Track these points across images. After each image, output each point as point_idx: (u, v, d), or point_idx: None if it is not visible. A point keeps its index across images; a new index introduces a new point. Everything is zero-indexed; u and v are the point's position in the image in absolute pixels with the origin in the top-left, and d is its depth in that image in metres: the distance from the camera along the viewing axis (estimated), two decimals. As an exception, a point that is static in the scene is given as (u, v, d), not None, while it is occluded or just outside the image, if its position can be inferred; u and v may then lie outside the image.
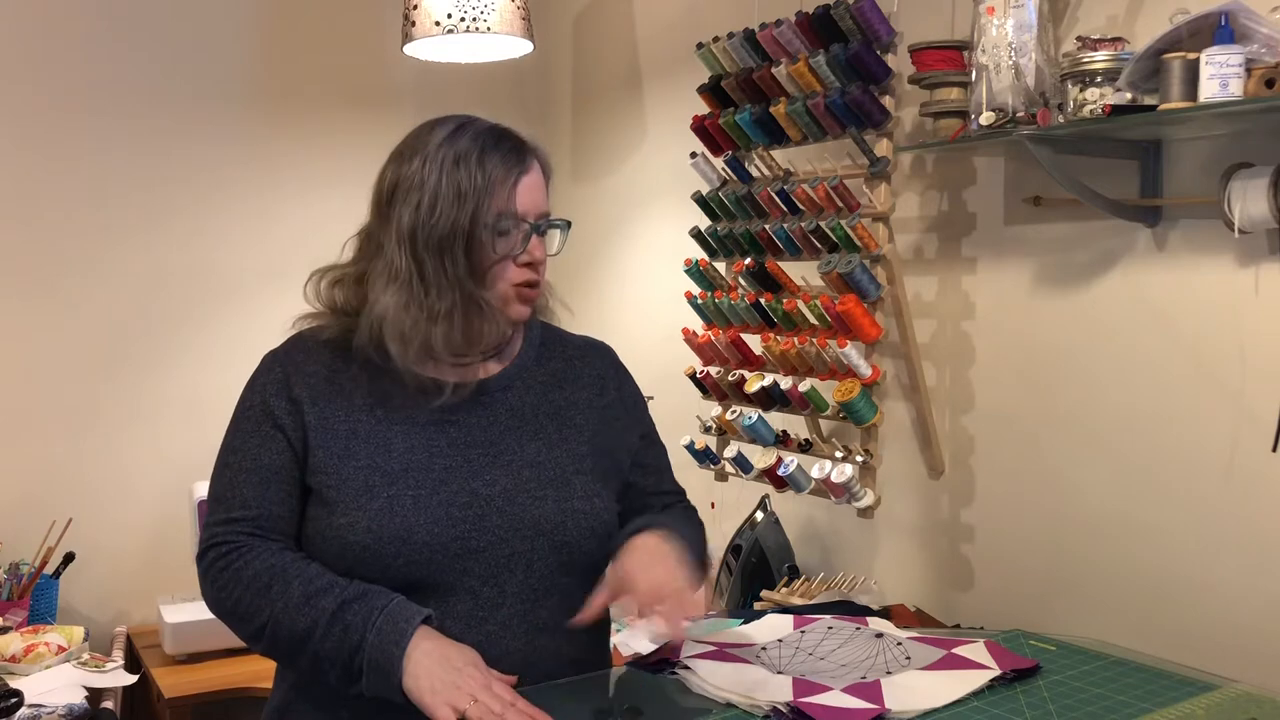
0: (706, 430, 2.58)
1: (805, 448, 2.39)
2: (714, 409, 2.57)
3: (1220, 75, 1.61)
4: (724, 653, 1.52)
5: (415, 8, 2.80)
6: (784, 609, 2.15)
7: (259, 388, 1.50)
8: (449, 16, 2.76)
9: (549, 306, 1.64)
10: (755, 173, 2.49)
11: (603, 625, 1.57)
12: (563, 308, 1.65)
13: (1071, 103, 1.87)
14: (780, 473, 2.37)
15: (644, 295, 3.17)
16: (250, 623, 1.41)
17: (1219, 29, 1.63)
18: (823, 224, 2.25)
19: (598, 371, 1.64)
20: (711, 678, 1.42)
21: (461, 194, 1.43)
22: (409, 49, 2.92)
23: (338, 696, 1.41)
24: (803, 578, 2.46)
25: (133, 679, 2.58)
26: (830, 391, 2.28)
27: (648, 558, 1.44)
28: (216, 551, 1.43)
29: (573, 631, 1.49)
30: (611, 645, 1.62)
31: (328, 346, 1.52)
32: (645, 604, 1.38)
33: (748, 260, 2.46)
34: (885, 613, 2.17)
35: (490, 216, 1.44)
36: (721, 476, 2.57)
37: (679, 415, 2.56)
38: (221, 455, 1.50)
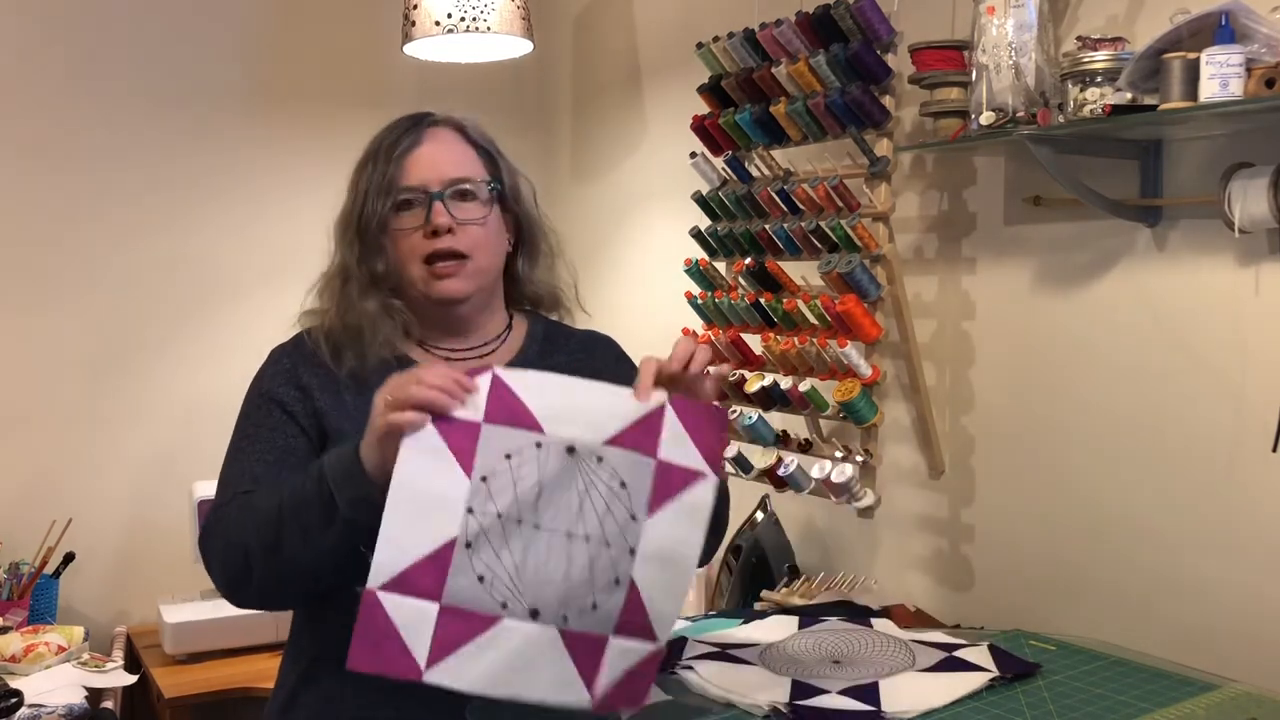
0: (706, 430, 2.57)
1: (805, 448, 2.39)
2: (714, 409, 2.57)
3: (1220, 75, 1.61)
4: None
5: (415, 8, 2.80)
6: (784, 609, 2.15)
7: (266, 378, 1.51)
8: (449, 16, 2.76)
9: (563, 304, 1.64)
10: (755, 173, 2.49)
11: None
12: (580, 310, 1.66)
13: (1071, 102, 1.87)
14: (780, 473, 2.37)
15: (644, 295, 3.17)
16: (244, 557, 1.35)
17: (1219, 29, 1.63)
18: (823, 224, 2.25)
19: (600, 365, 1.64)
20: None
21: (359, 183, 1.49)
22: (409, 49, 2.92)
23: (343, 691, 1.42)
24: (803, 578, 2.46)
25: (133, 679, 2.58)
26: (830, 391, 2.28)
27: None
28: (213, 518, 1.42)
29: None
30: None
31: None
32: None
33: (748, 260, 2.46)
34: (885, 613, 2.17)
35: (383, 193, 1.46)
36: (721, 476, 2.57)
37: (679, 415, 2.56)
38: (230, 449, 1.49)
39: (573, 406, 1.26)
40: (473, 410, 1.24)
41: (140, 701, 2.82)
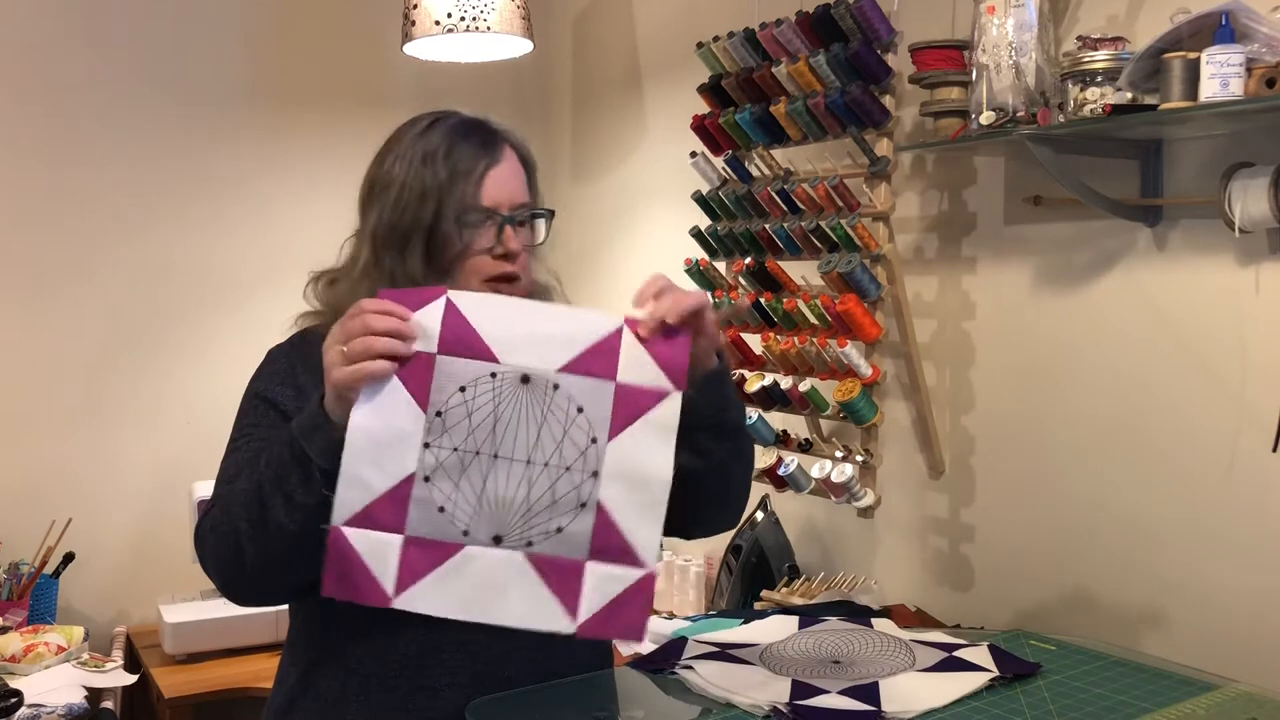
0: (706, 430, 2.57)
1: (805, 448, 2.39)
2: (714, 409, 2.57)
3: (1221, 75, 1.61)
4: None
5: (415, 7, 2.80)
6: (784, 609, 2.14)
7: (263, 378, 1.50)
8: (449, 16, 2.76)
9: (552, 301, 1.64)
10: (755, 172, 2.49)
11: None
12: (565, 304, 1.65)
13: (1072, 102, 1.87)
14: (780, 473, 2.37)
15: (644, 295, 3.17)
16: (235, 542, 1.33)
17: (1219, 28, 1.63)
18: (823, 224, 2.25)
19: None
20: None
21: (425, 190, 1.44)
22: (409, 49, 2.92)
23: (344, 694, 1.41)
24: (803, 578, 2.46)
25: (132, 679, 2.58)
26: (830, 391, 2.28)
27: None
28: (205, 515, 1.40)
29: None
30: (612, 645, 1.62)
31: None
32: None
33: (748, 260, 2.46)
34: (885, 613, 2.17)
35: (455, 210, 1.43)
36: (721, 476, 2.57)
37: (679, 415, 2.56)
38: (226, 449, 1.48)
39: (527, 333, 1.27)
40: (425, 341, 1.24)
41: (140, 701, 2.82)
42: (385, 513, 1.23)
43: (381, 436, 1.23)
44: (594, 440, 1.26)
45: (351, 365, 1.23)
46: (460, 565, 1.25)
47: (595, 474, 1.26)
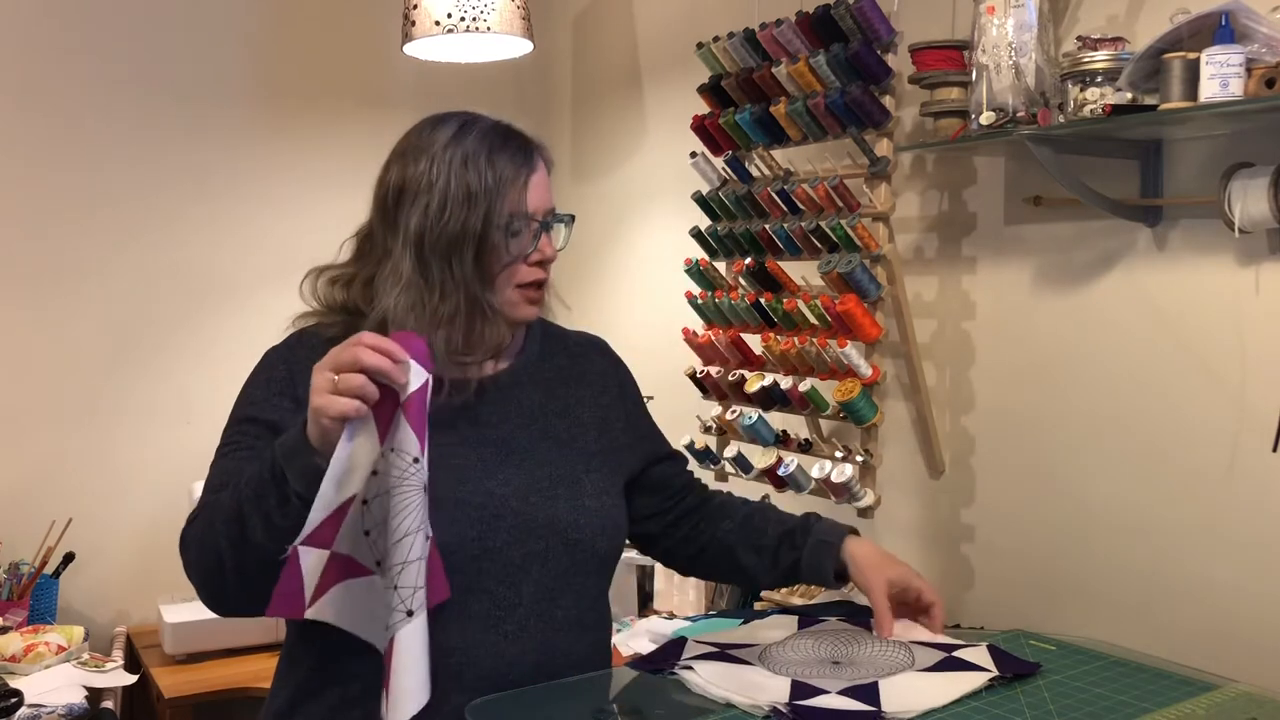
0: (706, 430, 2.58)
1: (805, 448, 2.39)
2: (714, 409, 2.57)
3: (1220, 75, 1.61)
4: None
5: (415, 7, 2.80)
6: (784, 609, 2.14)
7: (259, 387, 1.48)
8: (449, 16, 2.76)
9: (547, 303, 1.64)
10: (755, 172, 2.49)
11: (605, 624, 1.57)
12: (560, 304, 1.64)
13: (1072, 102, 1.87)
14: (780, 473, 2.37)
15: (644, 295, 3.17)
16: (217, 558, 1.33)
17: (1219, 28, 1.63)
18: (823, 224, 2.25)
19: (599, 369, 1.64)
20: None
21: (473, 196, 1.41)
22: (409, 49, 2.92)
23: (344, 699, 1.41)
24: (803, 578, 2.46)
25: (132, 679, 2.58)
26: (830, 391, 2.28)
27: (880, 559, 1.61)
28: (188, 525, 1.40)
29: (584, 631, 1.49)
30: (611, 645, 1.62)
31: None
32: (929, 595, 1.59)
33: (748, 260, 2.46)
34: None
35: (503, 218, 1.43)
36: (722, 476, 2.57)
37: (679, 415, 2.56)
38: (216, 453, 1.47)
39: None
40: (401, 392, 1.26)
41: (140, 701, 2.82)
42: (327, 529, 1.25)
43: (349, 461, 1.24)
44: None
45: (335, 396, 1.22)
46: (363, 587, 1.29)
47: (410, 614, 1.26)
